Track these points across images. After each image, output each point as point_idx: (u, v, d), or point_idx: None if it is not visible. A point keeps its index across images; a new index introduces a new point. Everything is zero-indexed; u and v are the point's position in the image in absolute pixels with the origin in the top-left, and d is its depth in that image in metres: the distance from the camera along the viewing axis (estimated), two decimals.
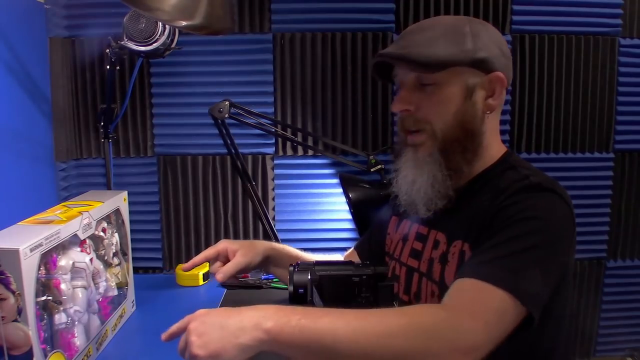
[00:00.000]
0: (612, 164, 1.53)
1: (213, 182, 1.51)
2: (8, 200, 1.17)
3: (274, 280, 1.41)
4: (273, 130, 1.46)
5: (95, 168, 1.51)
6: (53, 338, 0.83)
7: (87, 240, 0.97)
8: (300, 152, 1.51)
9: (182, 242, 1.53)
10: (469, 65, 0.80)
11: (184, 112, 1.48)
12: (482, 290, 0.64)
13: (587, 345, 1.60)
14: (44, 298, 0.80)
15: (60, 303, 0.86)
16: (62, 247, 0.87)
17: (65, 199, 1.40)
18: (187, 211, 1.52)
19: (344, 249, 1.16)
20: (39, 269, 0.78)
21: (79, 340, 0.92)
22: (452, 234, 0.82)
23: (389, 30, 1.46)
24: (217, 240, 1.52)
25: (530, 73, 1.47)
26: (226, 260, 0.97)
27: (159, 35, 1.16)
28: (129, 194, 1.20)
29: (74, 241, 0.91)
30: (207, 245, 1.50)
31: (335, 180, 1.46)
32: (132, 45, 1.16)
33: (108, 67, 1.29)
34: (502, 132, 1.47)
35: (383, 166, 1.37)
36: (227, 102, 1.36)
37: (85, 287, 0.95)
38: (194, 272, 1.40)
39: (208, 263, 1.44)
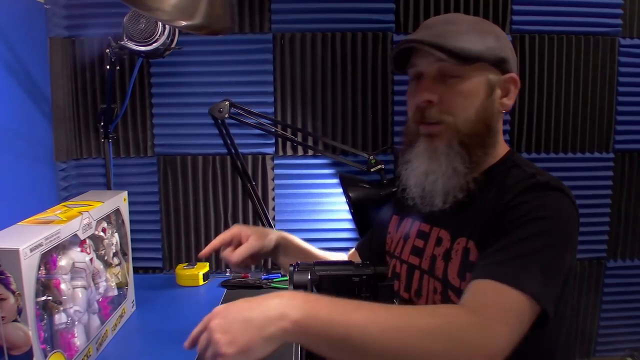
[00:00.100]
0: (612, 164, 1.53)
1: (213, 182, 1.51)
2: (8, 200, 1.17)
3: (274, 280, 1.41)
4: (273, 130, 1.46)
5: (95, 168, 1.51)
6: (53, 338, 0.83)
7: (87, 240, 0.97)
8: (300, 152, 1.51)
9: (182, 242, 1.53)
10: (491, 63, 0.82)
11: (184, 112, 1.48)
12: (504, 293, 0.64)
13: (587, 345, 1.60)
14: (44, 298, 0.80)
15: (60, 303, 0.86)
16: (62, 247, 0.87)
17: (65, 199, 1.40)
18: (187, 211, 1.52)
19: (344, 249, 1.15)
20: (39, 269, 0.78)
21: (79, 340, 0.92)
22: (456, 231, 0.82)
23: (389, 30, 1.46)
24: None
25: (530, 73, 1.47)
26: (238, 244, 0.94)
27: (159, 35, 1.16)
28: (129, 194, 1.20)
29: (74, 241, 0.91)
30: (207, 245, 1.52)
31: (335, 180, 1.46)
32: (132, 45, 1.16)
33: (108, 67, 1.29)
34: (503, 132, 1.46)
35: (383, 166, 1.37)
36: (227, 102, 1.36)
37: (85, 287, 0.95)
38: (194, 272, 1.40)
39: (208, 263, 1.46)
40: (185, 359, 0.99)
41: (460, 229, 0.82)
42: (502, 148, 0.87)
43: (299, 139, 1.49)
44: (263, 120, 1.43)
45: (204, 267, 1.43)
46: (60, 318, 0.86)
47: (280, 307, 0.59)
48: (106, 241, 1.07)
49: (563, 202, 0.75)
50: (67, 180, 1.47)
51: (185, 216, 1.52)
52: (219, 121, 1.38)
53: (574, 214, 0.75)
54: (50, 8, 1.40)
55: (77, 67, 1.46)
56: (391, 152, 1.50)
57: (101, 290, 1.03)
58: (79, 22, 1.43)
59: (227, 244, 0.94)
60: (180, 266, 1.44)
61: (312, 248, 1.08)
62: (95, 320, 0.99)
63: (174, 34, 1.21)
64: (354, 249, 1.14)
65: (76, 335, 0.91)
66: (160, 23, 1.15)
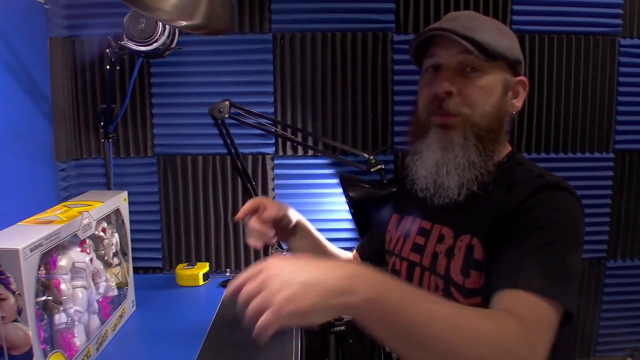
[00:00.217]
0: (612, 164, 1.53)
1: (213, 182, 1.51)
2: (8, 200, 1.17)
3: None
4: (273, 130, 1.46)
5: (95, 168, 1.51)
6: (53, 338, 0.83)
7: (87, 240, 0.97)
8: (300, 152, 1.51)
9: (182, 242, 1.53)
10: (508, 63, 0.84)
11: (184, 112, 1.48)
12: (541, 305, 0.64)
13: (587, 345, 1.60)
14: (44, 298, 0.80)
15: (60, 303, 0.86)
16: (62, 247, 0.87)
17: (65, 199, 1.40)
18: (187, 211, 1.52)
19: (344, 249, 1.15)
20: (39, 269, 0.78)
21: (79, 340, 0.92)
22: (459, 228, 0.83)
23: (389, 30, 1.46)
24: (217, 240, 1.53)
25: (530, 73, 1.47)
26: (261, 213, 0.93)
27: (159, 35, 1.16)
28: (129, 194, 1.20)
29: (74, 241, 0.91)
30: (207, 245, 1.53)
31: (335, 180, 1.46)
32: (132, 45, 1.16)
33: (108, 67, 1.29)
34: None
35: (383, 166, 1.37)
36: (227, 102, 1.36)
37: (85, 287, 0.95)
38: (194, 272, 1.40)
39: (208, 263, 1.46)
40: (185, 359, 0.99)
41: (463, 226, 0.82)
42: (506, 147, 0.88)
43: (299, 139, 1.49)
44: (263, 120, 1.43)
45: (204, 267, 1.43)
46: (60, 318, 0.86)
47: (349, 281, 0.55)
48: (106, 241, 1.07)
49: (573, 202, 0.76)
50: (67, 180, 1.47)
51: (185, 216, 1.52)
52: (219, 121, 1.38)
53: (582, 214, 0.77)
54: (50, 8, 1.40)
55: (77, 67, 1.46)
56: (391, 152, 1.50)
57: (101, 290, 1.03)
58: (79, 22, 1.43)
59: (254, 211, 0.93)
60: (180, 266, 1.44)
61: (325, 241, 1.08)
62: (95, 320, 0.99)
63: (174, 34, 1.21)
64: (355, 251, 1.14)
65: (76, 335, 0.91)
66: (160, 23, 1.15)
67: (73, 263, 0.90)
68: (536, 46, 1.47)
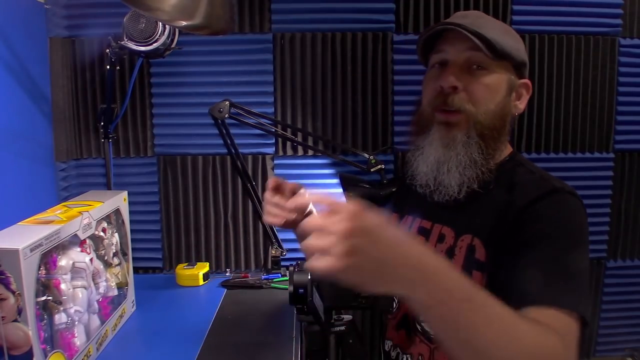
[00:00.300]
0: (612, 164, 1.53)
1: (213, 182, 1.51)
2: (8, 200, 1.17)
3: (274, 280, 1.41)
4: (273, 130, 1.46)
5: (95, 168, 1.50)
6: (53, 338, 0.83)
7: (87, 240, 0.97)
8: (300, 152, 1.51)
9: (182, 242, 1.53)
10: (514, 64, 0.85)
11: (184, 112, 1.48)
12: (569, 320, 0.64)
13: (587, 345, 1.60)
14: (44, 298, 0.80)
15: (60, 303, 0.86)
16: (62, 247, 0.87)
17: (65, 199, 1.40)
18: (187, 211, 1.52)
19: None
20: (39, 269, 0.78)
21: (79, 340, 0.92)
22: (459, 227, 0.83)
23: (389, 30, 1.46)
24: (217, 240, 1.53)
25: (530, 73, 1.45)
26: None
27: (159, 35, 1.16)
28: (129, 194, 1.20)
29: (74, 241, 0.91)
30: (207, 245, 1.53)
31: (335, 180, 1.46)
32: (132, 45, 1.16)
33: (108, 67, 1.29)
34: None
35: (383, 166, 1.37)
36: (227, 102, 1.36)
37: (85, 287, 0.95)
38: (194, 272, 1.40)
39: (208, 263, 1.46)
40: (185, 359, 0.99)
41: (464, 225, 0.82)
42: (507, 148, 0.89)
43: (299, 139, 1.49)
44: (263, 120, 1.43)
45: (204, 267, 1.43)
46: (60, 318, 0.86)
47: (420, 276, 0.53)
48: (106, 241, 1.07)
49: (579, 206, 0.77)
50: (67, 180, 1.47)
51: (185, 216, 1.52)
52: (219, 121, 1.38)
53: (586, 216, 0.78)
54: (50, 8, 1.40)
55: (77, 67, 1.46)
56: (391, 152, 1.50)
57: (101, 290, 1.03)
58: (79, 22, 1.43)
59: (276, 189, 0.91)
60: (180, 266, 1.44)
61: None
62: (95, 320, 0.99)
63: (174, 34, 1.21)
64: None
65: (76, 335, 0.91)
66: (160, 23, 1.15)
67: (73, 263, 0.90)
68: (536, 46, 1.47)
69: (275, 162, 1.51)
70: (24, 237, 0.77)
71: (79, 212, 0.94)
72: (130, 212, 1.20)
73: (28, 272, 0.75)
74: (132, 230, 1.21)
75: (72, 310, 0.89)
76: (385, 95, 1.48)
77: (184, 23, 0.84)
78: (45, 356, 0.80)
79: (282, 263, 1.50)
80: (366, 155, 1.38)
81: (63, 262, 0.87)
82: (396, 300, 0.94)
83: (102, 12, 1.41)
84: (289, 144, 1.50)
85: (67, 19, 1.43)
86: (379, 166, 1.37)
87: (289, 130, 1.49)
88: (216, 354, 1.01)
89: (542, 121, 1.50)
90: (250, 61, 1.46)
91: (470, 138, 0.81)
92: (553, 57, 1.47)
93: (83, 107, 1.47)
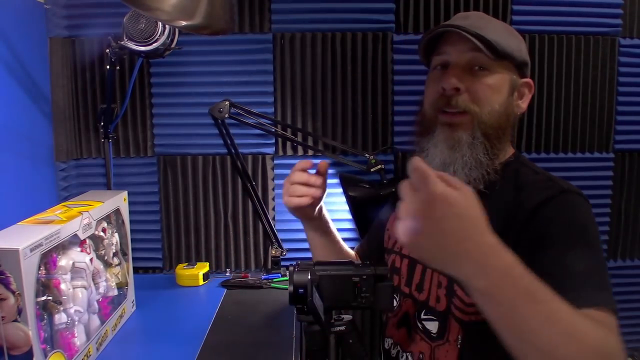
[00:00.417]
0: (612, 164, 1.53)
1: (213, 182, 1.51)
2: (8, 200, 1.17)
3: (274, 280, 1.41)
4: (273, 130, 1.46)
5: (95, 168, 1.50)
6: (53, 338, 0.83)
7: (87, 240, 0.97)
8: (300, 152, 1.51)
9: (182, 242, 1.53)
10: (516, 64, 0.85)
11: (184, 112, 1.48)
12: (610, 319, 0.65)
13: None
14: (44, 298, 0.80)
15: (60, 303, 0.86)
16: (62, 247, 0.87)
17: (65, 199, 1.40)
18: (187, 211, 1.52)
19: None
20: (39, 269, 0.78)
21: (79, 340, 0.92)
22: None
23: (389, 30, 1.46)
24: (217, 240, 1.53)
25: (530, 73, 1.47)
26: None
27: (159, 35, 1.16)
28: (129, 194, 1.20)
29: (74, 241, 0.91)
30: (207, 245, 1.53)
31: (335, 180, 1.46)
32: (132, 45, 1.16)
33: (108, 67, 1.29)
34: None
35: (383, 166, 1.37)
36: (227, 102, 1.36)
37: (85, 287, 0.95)
38: (194, 272, 1.40)
39: (208, 263, 1.46)
40: (185, 359, 0.99)
41: None
42: (510, 148, 0.89)
43: (299, 139, 1.49)
44: (263, 120, 1.43)
45: (204, 267, 1.43)
46: (60, 318, 0.86)
47: (479, 268, 0.54)
48: (106, 241, 1.07)
49: (587, 206, 0.78)
50: (67, 180, 1.47)
51: (185, 216, 1.52)
52: (219, 121, 1.38)
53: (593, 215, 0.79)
54: (50, 8, 1.40)
55: (77, 67, 1.46)
56: (391, 152, 1.50)
57: (101, 290, 1.03)
58: (79, 22, 1.43)
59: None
60: (180, 266, 1.44)
61: (339, 237, 1.09)
62: (95, 320, 0.99)
63: (174, 34, 1.21)
64: (354, 253, 1.14)
65: (76, 335, 0.91)
66: (160, 23, 1.15)
67: (73, 263, 0.90)
68: (536, 46, 1.47)
69: (275, 162, 1.51)
70: (24, 237, 0.77)
71: (79, 212, 0.94)
72: (130, 212, 1.20)
73: (28, 272, 0.75)
74: (132, 230, 1.21)
75: (72, 310, 0.89)
76: (385, 95, 1.48)
77: (184, 23, 0.84)
78: (45, 356, 0.80)
79: (282, 263, 1.50)
80: (366, 155, 1.38)
81: (63, 262, 0.87)
82: (397, 299, 0.94)
83: (102, 12, 1.41)
84: (289, 144, 1.50)
85: (67, 19, 1.43)
86: (379, 166, 1.37)
87: (289, 130, 1.49)
88: (216, 354, 1.01)
89: (542, 121, 1.50)
90: (250, 61, 1.46)
91: (475, 139, 0.81)
92: (553, 57, 1.47)
93: (83, 107, 1.47)
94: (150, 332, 1.13)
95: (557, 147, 1.51)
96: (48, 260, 0.82)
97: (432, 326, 0.85)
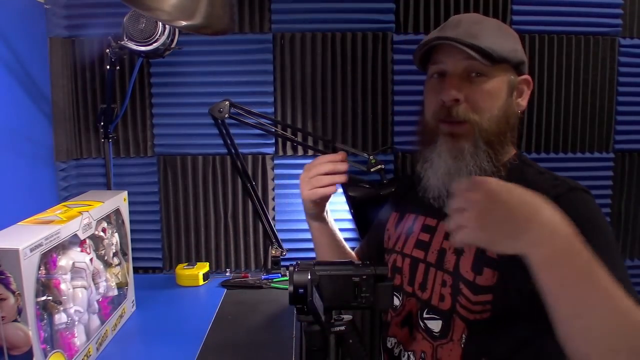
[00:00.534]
0: (612, 164, 1.53)
1: (213, 182, 1.51)
2: (8, 200, 1.17)
3: (274, 280, 1.41)
4: (273, 130, 1.46)
5: (95, 168, 1.51)
6: (53, 338, 0.83)
7: (87, 240, 0.97)
8: (300, 152, 1.51)
9: (182, 242, 1.53)
10: (513, 65, 0.85)
11: (184, 112, 1.48)
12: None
13: None
14: (44, 298, 0.80)
15: (60, 303, 0.86)
16: (62, 247, 0.87)
17: (65, 199, 1.40)
18: (187, 211, 1.52)
19: None
20: (39, 269, 0.78)
21: (79, 340, 0.92)
22: None
23: (389, 30, 1.46)
24: (217, 240, 1.53)
25: (530, 73, 1.45)
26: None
27: (159, 35, 1.16)
28: (129, 194, 1.20)
29: (74, 241, 0.91)
30: (207, 245, 1.52)
31: None
32: (132, 45, 1.16)
33: (108, 67, 1.29)
34: None
35: (383, 166, 1.37)
36: (227, 102, 1.36)
37: (85, 287, 0.95)
38: (194, 272, 1.40)
39: (208, 263, 1.46)
40: (185, 359, 0.99)
41: None
42: (511, 149, 0.89)
43: (299, 139, 1.49)
44: (263, 120, 1.43)
45: (204, 267, 1.43)
46: (60, 318, 0.86)
47: (546, 234, 0.58)
48: (106, 241, 1.07)
49: (595, 202, 0.79)
50: (67, 180, 1.47)
51: (185, 216, 1.52)
52: (219, 121, 1.38)
53: None
54: (50, 8, 1.40)
55: (77, 67, 1.46)
56: (391, 152, 1.50)
57: (101, 290, 1.03)
58: (79, 22, 1.43)
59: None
60: (180, 266, 1.44)
61: (342, 239, 1.09)
62: (95, 320, 0.99)
63: (174, 34, 1.21)
64: (355, 254, 1.15)
65: (76, 335, 0.91)
66: (160, 23, 1.15)
67: (73, 263, 0.90)
68: (536, 46, 1.47)
69: (275, 162, 1.51)
70: (24, 237, 0.77)
71: (79, 212, 0.94)
72: (130, 212, 1.20)
73: (28, 272, 0.75)
74: (132, 230, 1.21)
75: (72, 310, 0.89)
76: (385, 95, 1.48)
77: (184, 23, 0.84)
78: (45, 356, 0.80)
79: (282, 263, 1.50)
80: (366, 155, 1.38)
81: (63, 262, 0.87)
82: (400, 298, 0.94)
83: (102, 12, 1.41)
84: (289, 144, 1.50)
85: (67, 19, 1.43)
86: (379, 166, 1.37)
87: (289, 130, 1.49)
88: (216, 354, 1.01)
89: (542, 121, 1.50)
90: (250, 61, 1.46)
91: (477, 148, 0.82)
92: (553, 57, 1.47)
93: (83, 107, 1.47)
94: (150, 332, 1.13)
95: (557, 147, 1.51)
96: (48, 260, 0.82)
97: (435, 325, 0.85)
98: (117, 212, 1.13)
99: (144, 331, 1.14)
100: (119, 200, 1.14)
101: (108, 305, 1.06)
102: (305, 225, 1.52)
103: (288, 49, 1.46)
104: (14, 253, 0.72)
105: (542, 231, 0.58)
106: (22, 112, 1.28)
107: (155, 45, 1.16)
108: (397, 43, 1.46)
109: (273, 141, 1.50)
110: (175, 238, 1.53)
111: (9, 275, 0.73)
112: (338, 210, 1.50)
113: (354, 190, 1.33)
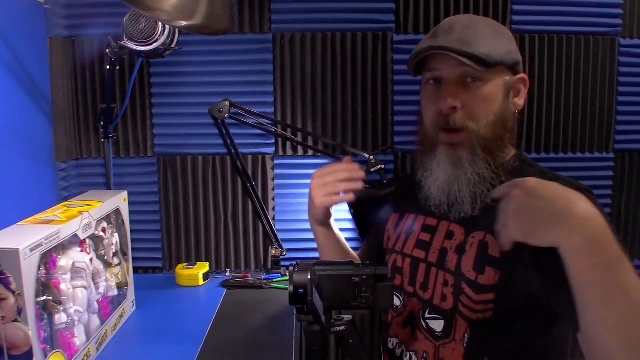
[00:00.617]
0: (612, 164, 1.53)
1: (213, 182, 1.51)
2: (8, 200, 1.17)
3: (274, 280, 1.41)
4: (273, 130, 1.46)
5: (95, 168, 1.51)
6: (53, 338, 0.83)
7: (87, 240, 0.97)
8: (300, 152, 1.51)
9: (182, 242, 1.53)
10: (508, 66, 0.84)
11: (184, 112, 1.48)
12: None
13: None
14: (44, 298, 0.80)
15: (60, 303, 0.86)
16: (62, 247, 0.87)
17: (65, 199, 1.40)
18: (187, 211, 1.52)
19: None
20: (39, 269, 0.78)
21: (79, 340, 0.92)
22: (469, 226, 0.83)
23: (389, 30, 1.46)
24: (217, 240, 1.53)
25: (530, 73, 1.47)
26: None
27: (159, 35, 1.16)
28: (129, 194, 1.20)
29: (74, 241, 0.91)
30: (207, 245, 1.52)
31: None
32: (132, 45, 1.16)
33: (108, 67, 1.29)
34: None
35: (383, 166, 1.37)
36: (227, 102, 1.36)
37: (85, 287, 0.95)
38: (194, 272, 1.40)
39: (208, 263, 1.46)
40: (185, 359, 0.99)
41: (474, 224, 0.83)
42: (511, 149, 0.89)
43: (299, 139, 1.49)
44: (263, 120, 1.43)
45: (204, 267, 1.43)
46: (60, 318, 0.86)
47: (581, 223, 0.60)
48: (106, 241, 1.07)
49: (598, 202, 0.77)
50: (67, 180, 1.47)
51: (185, 216, 1.52)
52: (219, 121, 1.38)
53: None
54: (50, 8, 1.40)
55: (77, 67, 1.46)
56: (391, 152, 1.50)
57: (101, 290, 1.03)
58: (79, 22, 1.43)
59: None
60: (180, 266, 1.44)
61: (345, 243, 1.09)
62: (95, 320, 0.99)
63: (174, 34, 1.21)
64: (357, 257, 1.14)
65: (76, 335, 0.91)
66: (160, 23, 1.15)
67: (73, 263, 0.91)
68: (536, 46, 1.47)
69: (275, 162, 1.51)
70: (24, 237, 0.77)
71: (79, 212, 0.94)
72: (130, 212, 1.20)
73: (28, 272, 0.75)
74: (132, 230, 1.21)
75: (72, 310, 0.89)
76: (385, 95, 1.48)
77: (184, 23, 0.84)
78: (45, 356, 0.80)
79: (282, 263, 1.50)
80: (366, 155, 1.38)
81: (63, 262, 0.87)
82: (401, 298, 0.94)
83: (102, 12, 1.41)
84: (289, 144, 1.50)
85: (67, 19, 1.43)
86: (379, 166, 1.37)
87: (289, 130, 1.49)
88: (216, 354, 1.01)
89: (542, 121, 1.50)
90: (250, 61, 1.46)
91: (475, 156, 0.82)
92: (553, 57, 1.47)
93: (83, 107, 1.47)
94: (150, 332, 1.13)
95: (557, 147, 1.51)
96: (48, 260, 0.82)
97: (437, 325, 0.85)
98: (117, 212, 1.13)
99: (144, 331, 1.14)
100: (119, 200, 1.14)
101: (108, 305, 1.06)
102: (305, 226, 1.52)
103: (288, 49, 1.46)
104: (14, 253, 0.72)
105: (576, 221, 0.60)
106: (22, 112, 1.28)
107: (155, 45, 1.16)
108: (397, 43, 1.46)
109: (273, 141, 1.50)
110: (175, 238, 1.53)
111: (9, 275, 0.73)
112: (338, 211, 1.50)
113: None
